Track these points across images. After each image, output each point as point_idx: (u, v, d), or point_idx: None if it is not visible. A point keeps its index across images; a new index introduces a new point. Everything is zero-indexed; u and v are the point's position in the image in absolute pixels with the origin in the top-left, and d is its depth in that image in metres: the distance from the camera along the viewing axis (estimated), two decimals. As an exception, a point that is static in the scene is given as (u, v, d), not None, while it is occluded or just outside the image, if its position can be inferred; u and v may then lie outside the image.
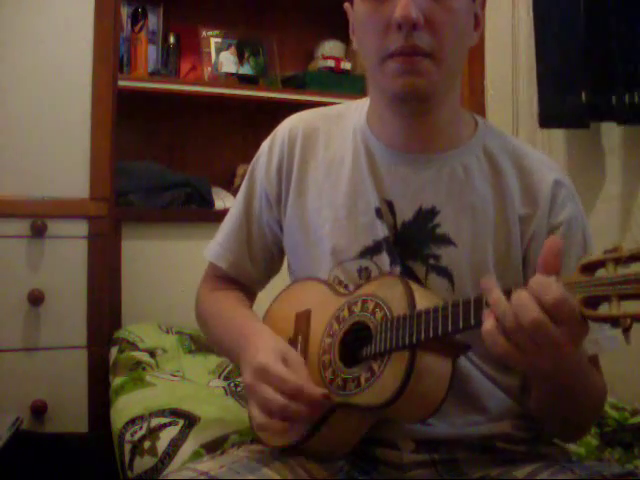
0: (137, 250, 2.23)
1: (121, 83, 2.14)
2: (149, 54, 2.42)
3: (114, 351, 1.97)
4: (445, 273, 1.00)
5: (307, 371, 0.94)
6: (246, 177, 1.18)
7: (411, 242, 1.01)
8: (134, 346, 1.97)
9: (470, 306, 0.82)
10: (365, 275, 1.03)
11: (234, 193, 2.47)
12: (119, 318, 2.17)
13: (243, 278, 1.19)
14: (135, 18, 2.36)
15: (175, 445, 1.36)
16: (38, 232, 1.99)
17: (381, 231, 1.02)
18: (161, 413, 1.48)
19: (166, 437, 1.39)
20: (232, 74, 2.55)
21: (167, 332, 2.12)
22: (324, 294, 1.03)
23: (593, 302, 0.73)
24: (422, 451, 1.00)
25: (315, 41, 2.73)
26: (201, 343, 2.07)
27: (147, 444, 1.38)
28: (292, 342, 1.03)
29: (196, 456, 1.29)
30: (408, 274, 1.00)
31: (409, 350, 0.87)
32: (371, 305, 0.95)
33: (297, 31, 2.76)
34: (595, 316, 0.72)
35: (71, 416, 2.02)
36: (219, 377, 1.85)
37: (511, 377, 1.03)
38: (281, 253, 1.18)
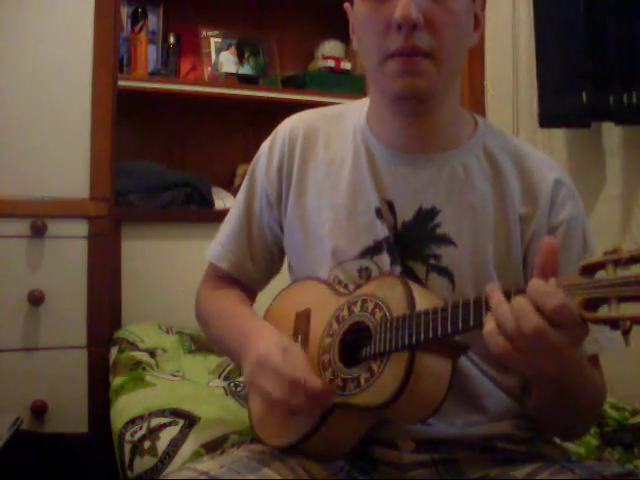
0: (137, 250, 2.23)
1: (121, 83, 2.15)
2: (149, 54, 2.41)
3: (114, 351, 1.97)
4: (445, 273, 1.00)
5: (309, 364, 0.94)
6: (246, 177, 1.18)
7: (411, 242, 1.01)
8: (134, 346, 1.97)
9: (470, 307, 0.82)
10: (365, 275, 1.03)
11: (234, 193, 2.47)
12: (119, 318, 2.17)
13: (244, 278, 1.19)
14: (135, 18, 2.36)
15: (175, 445, 1.36)
16: (38, 232, 1.99)
17: (381, 231, 1.02)
18: (161, 413, 1.48)
19: (166, 437, 1.39)
20: (232, 74, 2.55)
21: (167, 332, 2.12)
22: (324, 294, 1.03)
23: (593, 304, 0.73)
24: (422, 451, 1.00)
25: (315, 41, 2.73)
26: (201, 343, 2.07)
27: (147, 444, 1.38)
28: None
29: (196, 456, 1.29)
30: (408, 274, 1.00)
31: (408, 350, 0.87)
32: (371, 305, 0.95)
33: (297, 31, 2.75)
34: (595, 318, 0.72)
35: (71, 416, 2.02)
36: (219, 377, 1.85)
37: (511, 377, 1.02)
38: (281, 253, 1.18)
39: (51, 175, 2.02)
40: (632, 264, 0.70)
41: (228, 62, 2.56)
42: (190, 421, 1.43)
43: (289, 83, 2.65)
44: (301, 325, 1.04)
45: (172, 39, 2.51)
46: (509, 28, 2.19)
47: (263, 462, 0.97)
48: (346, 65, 2.66)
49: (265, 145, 1.16)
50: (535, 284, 0.75)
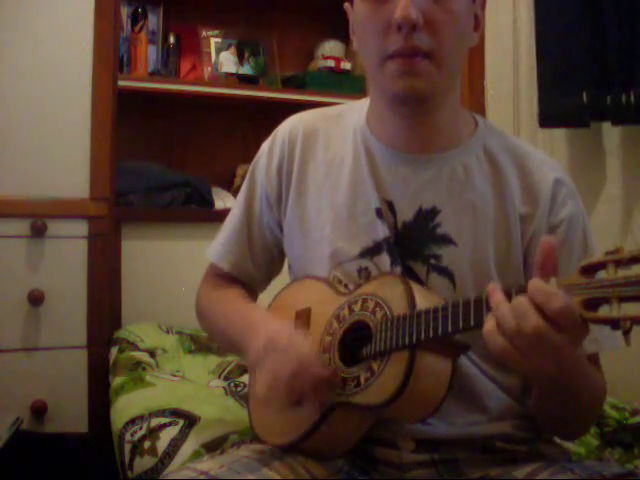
0: (137, 250, 2.23)
1: (121, 83, 2.14)
2: (149, 54, 2.42)
3: (114, 351, 1.97)
4: (446, 273, 1.00)
5: (315, 350, 0.95)
6: (246, 178, 1.18)
7: (412, 242, 1.01)
8: (134, 346, 1.97)
9: (470, 306, 0.82)
10: (365, 275, 1.03)
11: (234, 193, 2.47)
12: (119, 318, 2.17)
13: (244, 278, 1.19)
14: (135, 18, 2.36)
15: (175, 445, 1.36)
16: (38, 232, 1.99)
17: (381, 231, 1.02)
18: (161, 413, 1.48)
19: (166, 437, 1.39)
20: (232, 74, 2.55)
21: (167, 332, 2.12)
22: (324, 293, 1.03)
23: (593, 304, 0.72)
24: (422, 451, 1.00)
25: (315, 41, 2.73)
26: (201, 343, 2.07)
27: (147, 444, 1.39)
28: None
29: (196, 456, 1.29)
30: (409, 274, 1.00)
31: (409, 350, 0.87)
32: (371, 304, 0.95)
33: (297, 31, 2.76)
34: (595, 318, 0.72)
35: (71, 416, 2.02)
36: (219, 377, 1.85)
37: (512, 377, 1.03)
38: (282, 254, 1.18)
39: (51, 175, 2.02)
40: (633, 264, 0.70)
41: (228, 62, 2.56)
42: (190, 421, 1.43)
43: (289, 83, 2.65)
44: (301, 324, 1.04)
45: (172, 39, 2.51)
46: (509, 28, 2.18)
47: (263, 462, 0.97)
48: (346, 65, 2.66)
49: (265, 146, 1.16)
50: (536, 284, 0.75)
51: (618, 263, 0.71)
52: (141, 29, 2.36)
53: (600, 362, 1.04)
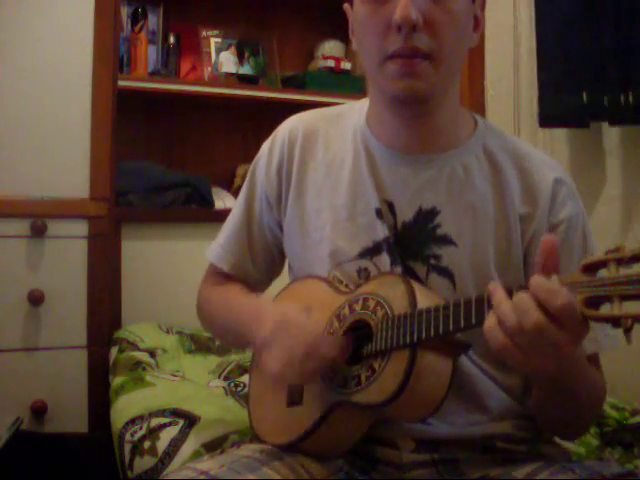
0: (137, 250, 2.23)
1: (121, 83, 2.14)
2: (149, 54, 2.41)
3: (114, 351, 1.97)
4: (446, 273, 1.00)
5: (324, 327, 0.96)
6: (247, 178, 1.18)
7: (412, 242, 1.01)
8: (134, 346, 1.97)
9: (471, 305, 0.82)
10: (364, 276, 1.03)
11: (234, 193, 2.47)
12: (119, 318, 2.17)
13: (245, 279, 1.19)
14: (135, 18, 2.36)
15: (175, 445, 1.36)
16: (38, 232, 1.99)
17: (381, 232, 1.02)
18: (161, 413, 1.48)
19: (166, 437, 1.39)
20: (232, 74, 2.55)
21: (167, 332, 2.12)
22: (325, 292, 1.03)
23: (594, 302, 0.73)
24: (422, 451, 1.00)
25: (315, 41, 2.73)
26: (201, 343, 2.07)
27: (147, 444, 1.39)
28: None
29: (196, 456, 1.29)
30: (409, 274, 1.00)
31: (410, 349, 0.87)
32: (372, 303, 0.95)
33: (297, 31, 2.76)
34: (597, 316, 0.72)
35: (71, 416, 2.02)
36: (219, 377, 1.85)
37: (512, 377, 1.03)
38: (282, 255, 1.18)
39: (51, 175, 2.02)
40: (634, 263, 0.70)
41: (228, 62, 2.55)
42: (190, 421, 1.43)
43: (289, 83, 2.65)
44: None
45: (172, 39, 2.51)
46: (509, 28, 2.19)
47: (263, 461, 0.97)
48: (346, 65, 2.66)
49: (265, 146, 1.16)
50: (538, 280, 0.75)
51: (619, 261, 0.71)
52: (141, 29, 2.36)
53: (600, 362, 1.04)
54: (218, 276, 1.20)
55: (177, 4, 2.55)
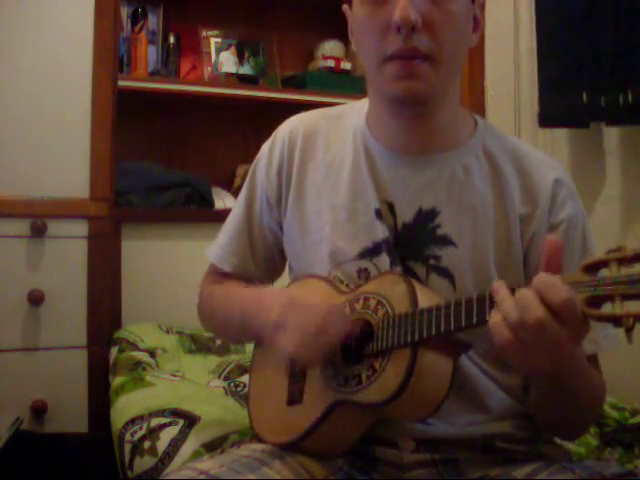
0: (137, 250, 2.23)
1: (121, 83, 2.15)
2: (149, 54, 2.42)
3: (114, 351, 1.97)
4: (446, 274, 1.00)
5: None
6: (247, 179, 1.18)
7: (411, 243, 1.01)
8: (134, 346, 1.97)
9: (473, 304, 0.82)
10: (364, 276, 1.03)
11: (234, 193, 2.47)
12: (119, 318, 2.17)
13: (247, 279, 1.18)
14: (135, 18, 2.36)
15: (175, 445, 1.36)
16: (38, 232, 1.99)
17: (381, 232, 1.02)
18: (161, 413, 1.48)
19: (166, 437, 1.39)
20: (232, 74, 2.55)
21: (167, 332, 2.12)
22: (325, 291, 1.03)
23: (596, 302, 0.73)
24: (422, 451, 1.00)
25: (315, 41, 2.73)
26: (201, 343, 2.07)
27: (147, 444, 1.39)
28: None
29: (196, 456, 1.29)
30: (409, 275, 0.99)
31: (411, 348, 0.87)
32: (373, 303, 0.95)
33: (297, 31, 2.76)
34: (598, 315, 0.73)
35: (71, 416, 2.02)
36: (219, 377, 1.85)
37: (512, 376, 1.03)
38: (283, 255, 1.18)
39: (51, 175, 2.02)
40: (636, 262, 0.71)
41: (228, 62, 2.56)
42: (190, 421, 1.43)
43: (289, 83, 2.65)
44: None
45: (172, 39, 2.51)
46: (510, 28, 2.19)
47: (263, 461, 0.97)
48: (346, 65, 2.66)
49: (265, 147, 1.16)
50: (542, 277, 0.75)
51: (621, 261, 0.71)
52: (141, 29, 2.36)
53: (599, 364, 1.04)
54: (219, 275, 1.20)
55: (177, 4, 2.55)
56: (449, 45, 0.94)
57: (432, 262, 1.00)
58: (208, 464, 0.96)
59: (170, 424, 1.43)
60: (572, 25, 1.82)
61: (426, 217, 1.01)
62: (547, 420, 1.01)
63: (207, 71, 2.53)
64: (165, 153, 2.57)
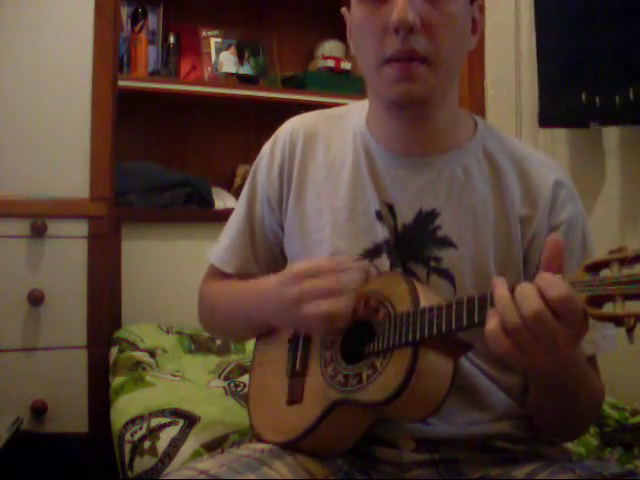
0: (137, 250, 2.23)
1: (121, 83, 2.15)
2: (149, 54, 2.42)
3: (114, 351, 1.97)
4: (446, 275, 1.00)
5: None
6: (248, 180, 1.18)
7: (412, 245, 1.01)
8: (134, 346, 1.97)
9: (474, 304, 0.82)
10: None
11: (234, 193, 2.47)
12: (119, 318, 2.17)
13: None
14: (135, 18, 2.37)
15: (175, 445, 1.36)
16: (38, 232, 1.99)
17: (381, 234, 1.02)
18: (161, 413, 1.48)
19: (166, 437, 1.39)
20: (232, 74, 2.55)
21: (167, 332, 2.12)
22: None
23: (597, 301, 0.73)
24: (422, 450, 1.00)
25: (315, 41, 2.73)
26: (201, 343, 2.07)
27: (147, 444, 1.39)
28: (294, 337, 1.04)
29: (196, 456, 1.29)
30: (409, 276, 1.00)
31: (412, 347, 0.87)
32: (374, 302, 0.95)
33: (297, 31, 2.76)
34: (599, 315, 0.73)
35: (71, 416, 2.02)
36: (219, 377, 1.85)
37: (512, 377, 1.03)
38: (284, 255, 1.18)
39: (51, 175, 2.02)
40: (637, 263, 0.71)
41: (228, 62, 2.56)
42: (190, 421, 1.43)
43: (289, 83, 2.65)
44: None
45: (172, 39, 2.51)
46: (510, 28, 2.19)
47: (263, 461, 0.97)
48: (346, 65, 2.66)
49: (266, 148, 1.16)
50: (543, 275, 0.76)
51: (622, 261, 0.71)
52: (141, 29, 2.36)
53: (598, 365, 1.04)
54: (220, 277, 1.20)
55: (177, 4, 2.55)
56: (447, 47, 0.94)
57: (432, 264, 1.00)
58: (208, 464, 0.96)
59: (170, 424, 1.43)
60: (572, 25, 1.82)
61: (426, 218, 1.01)
62: (545, 421, 1.01)
63: (207, 71, 2.53)
64: (165, 153, 2.57)
